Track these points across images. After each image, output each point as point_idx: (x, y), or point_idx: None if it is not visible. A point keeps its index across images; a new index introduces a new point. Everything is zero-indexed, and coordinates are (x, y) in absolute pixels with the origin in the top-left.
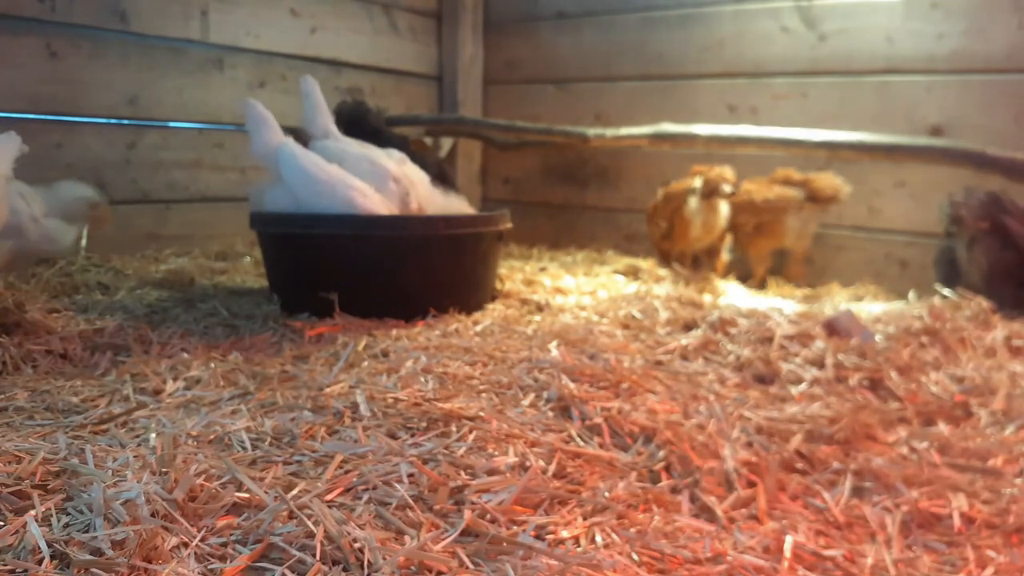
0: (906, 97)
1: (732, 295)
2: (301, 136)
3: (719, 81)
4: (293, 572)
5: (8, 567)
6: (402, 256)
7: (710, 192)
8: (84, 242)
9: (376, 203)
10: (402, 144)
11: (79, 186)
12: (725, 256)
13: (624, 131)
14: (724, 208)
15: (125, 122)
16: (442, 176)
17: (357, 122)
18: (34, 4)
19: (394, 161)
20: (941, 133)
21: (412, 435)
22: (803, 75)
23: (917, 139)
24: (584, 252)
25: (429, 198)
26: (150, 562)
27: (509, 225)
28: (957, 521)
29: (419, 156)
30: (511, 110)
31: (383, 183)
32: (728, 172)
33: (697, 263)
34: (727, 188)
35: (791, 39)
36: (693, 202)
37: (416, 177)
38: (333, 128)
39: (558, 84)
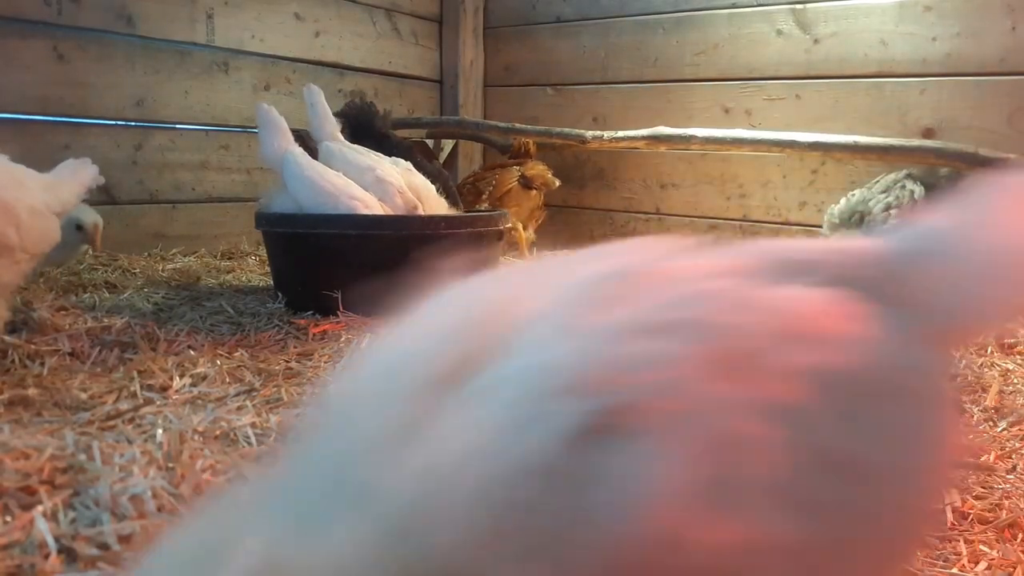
0: (900, 99)
1: None
2: (309, 139)
3: (714, 84)
4: None
5: (16, 562)
6: (404, 255)
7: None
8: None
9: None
10: (407, 151)
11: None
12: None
13: (621, 133)
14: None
15: (132, 124)
16: (446, 190)
17: (364, 125)
18: (41, 8)
19: (401, 171)
20: (934, 135)
21: None
22: (797, 78)
23: (911, 140)
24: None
25: (436, 210)
26: None
27: (509, 225)
28: (950, 516)
29: (423, 165)
30: (511, 113)
31: (389, 196)
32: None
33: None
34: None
35: (785, 42)
36: (522, 191)
37: (423, 187)
38: (339, 135)
39: (556, 87)
